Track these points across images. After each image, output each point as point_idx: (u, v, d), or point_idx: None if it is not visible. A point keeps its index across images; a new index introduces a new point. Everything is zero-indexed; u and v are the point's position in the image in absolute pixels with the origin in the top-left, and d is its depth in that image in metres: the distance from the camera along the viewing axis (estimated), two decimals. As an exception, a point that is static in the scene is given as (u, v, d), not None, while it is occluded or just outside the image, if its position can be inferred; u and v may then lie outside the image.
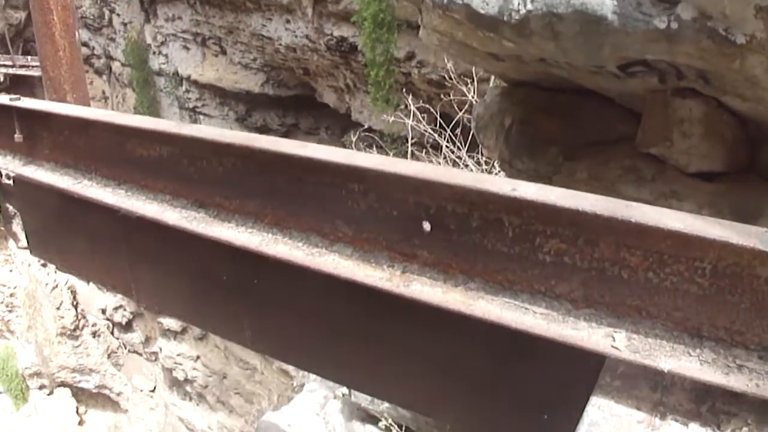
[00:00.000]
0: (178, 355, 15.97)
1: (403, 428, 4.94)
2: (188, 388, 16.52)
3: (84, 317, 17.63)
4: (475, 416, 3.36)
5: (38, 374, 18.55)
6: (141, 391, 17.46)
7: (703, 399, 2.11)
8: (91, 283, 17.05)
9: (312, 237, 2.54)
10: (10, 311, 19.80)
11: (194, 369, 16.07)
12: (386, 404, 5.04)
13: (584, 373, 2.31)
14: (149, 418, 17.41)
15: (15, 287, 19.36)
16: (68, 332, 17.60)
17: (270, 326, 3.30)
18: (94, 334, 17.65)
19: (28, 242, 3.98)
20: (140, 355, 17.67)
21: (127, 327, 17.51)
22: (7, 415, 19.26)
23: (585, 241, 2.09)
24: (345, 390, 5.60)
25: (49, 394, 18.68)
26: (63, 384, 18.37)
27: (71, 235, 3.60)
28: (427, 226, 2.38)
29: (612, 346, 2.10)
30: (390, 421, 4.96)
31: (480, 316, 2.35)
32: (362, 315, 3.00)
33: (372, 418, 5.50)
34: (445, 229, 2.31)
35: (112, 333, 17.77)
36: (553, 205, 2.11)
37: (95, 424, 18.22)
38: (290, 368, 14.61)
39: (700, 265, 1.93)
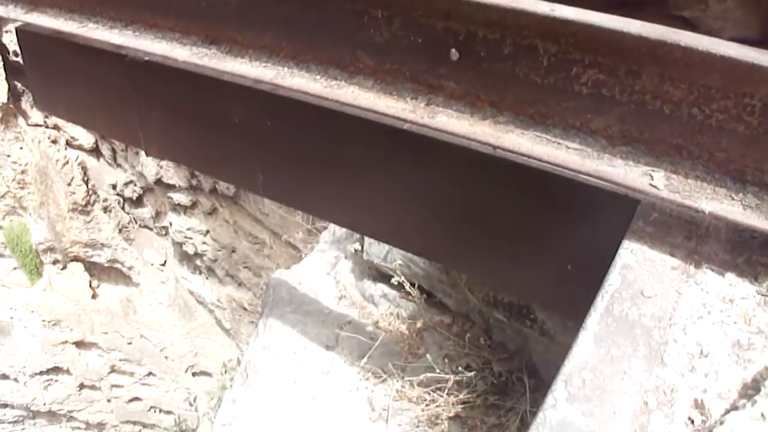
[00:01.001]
0: (188, 229, 16.00)
1: (416, 286, 4.87)
2: (198, 262, 16.63)
3: (95, 193, 17.60)
4: (498, 265, 3.27)
5: (51, 249, 18.65)
6: (152, 265, 17.59)
7: (740, 250, 2.00)
8: (101, 159, 16.99)
9: (331, 69, 2.37)
10: (21, 188, 19.73)
11: (204, 243, 16.13)
12: (399, 261, 4.97)
13: (616, 216, 2.19)
14: (160, 291, 17.60)
15: (26, 164, 19.22)
16: (80, 208, 17.60)
17: (284, 171, 3.18)
18: (105, 210, 17.66)
19: (33, 97, 3.82)
20: (151, 229, 17.72)
21: (138, 202, 17.50)
22: (23, 289, 19.48)
23: (626, 71, 1.92)
24: (357, 246, 5.52)
25: (62, 269, 18.84)
26: (76, 258, 18.50)
27: (77, 84, 3.44)
28: (454, 54, 2.20)
29: (650, 185, 1.97)
30: (403, 278, 4.89)
31: (509, 147, 2.21)
32: (381, 155, 2.87)
33: (384, 277, 5.45)
34: (474, 58, 2.14)
35: (122, 208, 17.78)
36: (596, 27, 1.92)
37: (108, 297, 18.46)
38: (298, 241, 14.68)
39: (749, 102, 1.76)
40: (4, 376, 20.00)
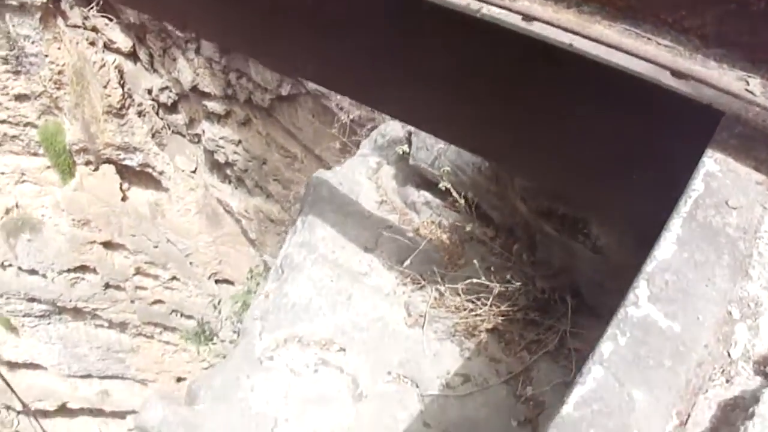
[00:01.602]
0: (221, 138, 15.93)
1: (462, 195, 4.80)
2: (228, 171, 16.62)
3: (130, 96, 17.52)
4: (561, 170, 3.19)
5: (85, 150, 18.67)
6: (182, 171, 17.59)
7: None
8: (138, 63, 16.89)
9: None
10: (58, 88, 19.65)
11: (235, 153, 16.08)
12: (447, 168, 4.89)
13: (694, 128, 2.09)
14: (189, 197, 17.64)
15: (63, 65, 19.10)
16: (114, 111, 17.54)
17: (336, 53, 3.09)
18: (140, 114, 17.60)
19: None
20: (183, 136, 17.67)
21: (172, 108, 17.42)
22: (55, 188, 19.60)
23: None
24: (405, 148, 5.44)
25: (94, 170, 18.90)
26: (108, 161, 18.53)
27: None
28: None
29: (746, 90, 1.87)
30: (449, 185, 4.81)
31: (596, 37, 2.11)
32: (450, 45, 2.78)
33: (428, 184, 5.38)
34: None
35: (157, 113, 17.71)
36: None
37: (137, 200, 18.53)
38: (329, 158, 14.62)
39: None
40: (33, 272, 20.29)
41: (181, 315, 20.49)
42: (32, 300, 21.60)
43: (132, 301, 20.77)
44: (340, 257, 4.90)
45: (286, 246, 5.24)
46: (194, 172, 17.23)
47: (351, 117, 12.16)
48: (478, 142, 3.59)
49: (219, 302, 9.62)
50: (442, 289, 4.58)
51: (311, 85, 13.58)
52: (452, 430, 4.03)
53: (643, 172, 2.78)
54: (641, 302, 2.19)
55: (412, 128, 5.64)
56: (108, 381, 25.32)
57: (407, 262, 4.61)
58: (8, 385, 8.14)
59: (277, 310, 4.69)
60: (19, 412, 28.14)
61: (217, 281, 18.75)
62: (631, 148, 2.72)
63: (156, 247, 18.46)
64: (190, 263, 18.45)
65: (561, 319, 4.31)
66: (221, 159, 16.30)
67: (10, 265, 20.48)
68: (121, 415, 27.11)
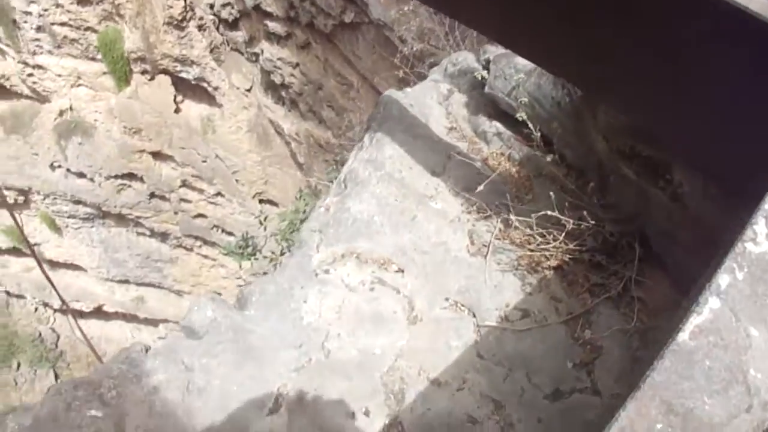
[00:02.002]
0: (279, 59, 15.76)
1: (537, 128, 4.59)
2: (283, 93, 16.48)
3: (192, 9, 17.35)
4: (659, 107, 2.99)
5: (142, 59, 18.61)
6: (237, 88, 17.48)
7: None
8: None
9: None
10: (119, -5, 19.64)
11: (292, 75, 15.92)
12: (525, 99, 4.68)
13: None
14: (241, 115, 17.56)
15: (126, -29, 19.05)
16: (175, 22, 17.41)
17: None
18: (200, 28, 17.45)
19: None
20: (241, 54, 17.51)
21: (233, 25, 17.22)
22: (110, 94, 19.62)
23: None
24: (485, 74, 5.22)
25: (150, 80, 18.87)
26: (164, 71, 18.48)
27: None
28: None
29: None
30: (525, 117, 4.60)
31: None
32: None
33: (501, 115, 5.17)
34: None
35: (217, 29, 17.53)
36: None
37: (190, 113, 18.51)
38: (386, 89, 14.37)
39: None
40: (81, 175, 20.46)
41: (222, 231, 20.62)
42: (78, 202, 21.85)
43: (175, 213, 20.92)
44: (407, 178, 4.73)
45: (351, 161, 5.07)
46: (249, 90, 17.11)
47: (414, 49, 11.96)
48: (574, 70, 3.41)
49: (265, 219, 9.54)
50: (509, 220, 4.40)
51: (374, 15, 13.34)
52: (506, 364, 3.90)
53: (747, 122, 2.60)
54: (760, 239, 2.03)
55: (490, 56, 5.43)
56: (144, 288, 25.74)
57: (480, 188, 4.41)
58: (50, 282, 8.16)
59: (337, 224, 4.55)
60: (55, 310, 28.78)
61: (261, 201, 18.78)
62: (738, 94, 2.53)
63: (204, 161, 18.48)
64: (236, 181, 18.46)
65: (627, 266, 4.12)
66: (277, 80, 16.15)
67: (60, 167, 20.69)
68: (154, 322, 27.62)
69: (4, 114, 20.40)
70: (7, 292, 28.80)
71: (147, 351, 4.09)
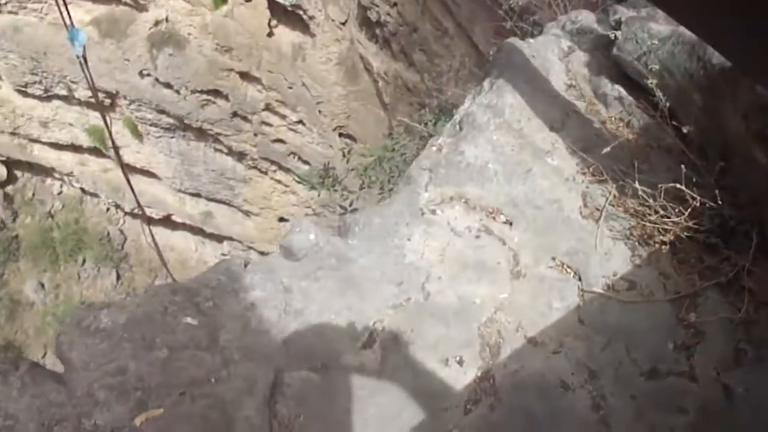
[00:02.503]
0: None
1: (664, 98, 4.40)
2: (377, 31, 16.30)
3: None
4: None
5: (240, -25, 18.59)
6: (332, 20, 17.31)
7: None
8: None
9: None
10: None
11: (388, 14, 15.71)
12: (656, 66, 4.49)
13: None
14: (333, 47, 17.45)
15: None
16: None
17: None
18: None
19: None
20: (340, -15, 17.37)
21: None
22: (206, 11, 19.63)
23: None
24: (619, 34, 5.01)
25: (246, 0, 18.82)
26: (261, -11, 18.41)
27: None
28: None
29: None
30: (654, 84, 4.42)
31: None
32: None
33: (625, 79, 4.99)
34: None
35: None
36: None
37: (282, 39, 18.46)
38: (481, 41, 14.15)
39: None
40: (168, 86, 20.67)
41: (299, 158, 20.74)
42: (162, 112, 22.14)
43: (255, 135, 21.07)
44: (525, 128, 4.61)
45: (469, 104, 4.94)
46: (344, 24, 16.97)
47: (520, 3, 11.70)
48: (731, 40, 3.22)
49: (349, 152, 9.54)
50: (625, 188, 4.27)
51: (475, -38, 13.09)
52: (606, 334, 3.80)
53: None
54: None
55: (622, 17, 5.23)
56: (214, 204, 26.14)
57: (606, 149, 4.28)
58: (131, 186, 8.29)
59: (449, 165, 4.49)
60: (126, 213, 29.46)
61: (341, 135, 18.79)
62: None
63: (290, 88, 18.51)
64: (319, 111, 18.48)
65: (741, 254, 3.94)
66: (373, 17, 15.96)
67: (148, 75, 20.94)
68: (218, 238, 28.11)
69: (101, 18, 20.62)
70: (83, 189, 29.55)
71: (246, 266, 4.12)
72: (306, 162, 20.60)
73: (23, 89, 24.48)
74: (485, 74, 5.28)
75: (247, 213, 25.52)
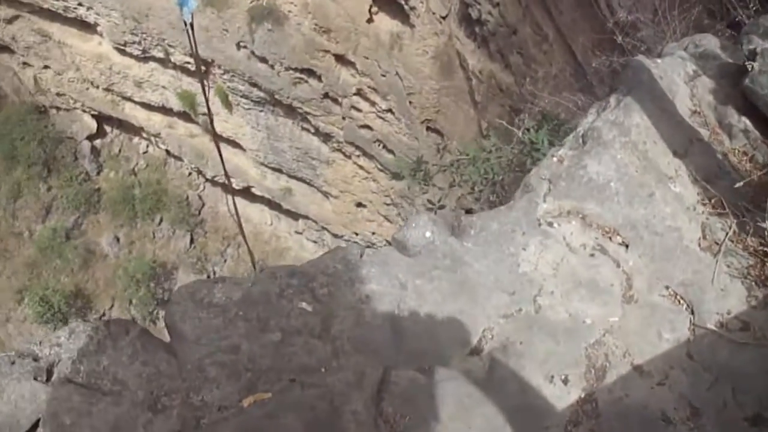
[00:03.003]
0: None
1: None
2: (476, 29, 16.21)
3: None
4: None
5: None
6: (433, 13, 17.23)
7: None
8: None
9: None
10: None
11: (489, 14, 15.59)
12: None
13: None
14: (430, 40, 17.35)
15: None
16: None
17: None
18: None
19: None
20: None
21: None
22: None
23: None
24: (756, 67, 4.87)
25: (349, -16, 18.85)
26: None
27: None
28: None
29: None
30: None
31: None
32: None
33: (753, 111, 4.82)
34: None
35: (428, -51, 17.33)
36: None
37: (382, 26, 18.44)
38: (578, 50, 13.97)
39: None
40: (263, 60, 20.90)
41: (384, 147, 20.77)
42: (254, 85, 22.41)
43: (343, 118, 21.18)
44: (651, 151, 4.52)
45: (593, 118, 4.84)
46: (444, 18, 16.90)
47: (627, 19, 11.52)
48: None
49: (444, 147, 9.49)
50: (746, 225, 4.16)
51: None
52: (714, 372, 3.75)
53: None
54: None
55: (758, 47, 5.06)
56: (295, 181, 26.41)
57: (738, 185, 4.18)
58: (220, 154, 8.33)
59: (570, 178, 4.48)
60: (207, 180, 30.01)
61: (428, 128, 18.76)
62: None
63: (383, 76, 18.52)
64: (410, 102, 18.46)
65: None
66: (474, 15, 15.89)
67: (245, 47, 21.20)
68: (295, 216, 28.43)
69: (204, -14, 20.94)
70: (168, 152, 30.21)
71: (362, 255, 4.15)
72: (390, 151, 20.62)
73: (122, 48, 25.11)
74: (612, 90, 5.19)
75: (326, 194, 25.69)
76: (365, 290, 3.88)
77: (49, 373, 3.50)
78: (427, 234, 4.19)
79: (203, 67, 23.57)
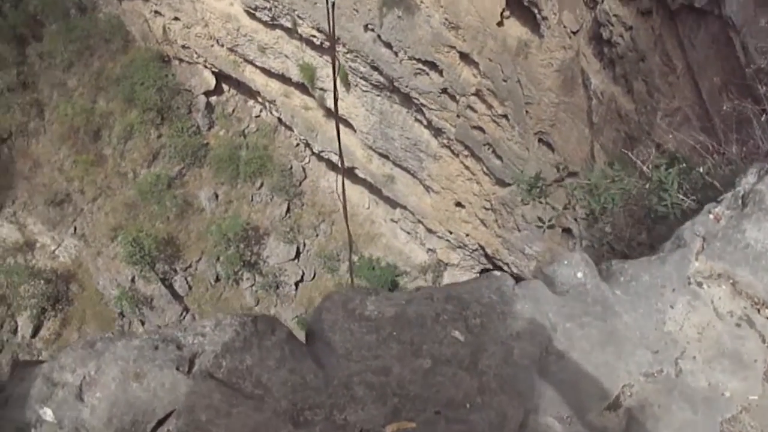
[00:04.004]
0: (615, 15, 15.87)
1: None
2: (605, 49, 16.69)
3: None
4: None
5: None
6: (564, 27, 17.68)
7: None
8: None
9: None
10: None
11: (621, 36, 16.09)
12: None
13: None
14: (557, 53, 17.82)
15: None
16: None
17: None
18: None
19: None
20: None
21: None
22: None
23: None
24: None
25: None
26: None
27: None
28: None
29: None
30: None
31: None
32: None
33: None
34: None
35: (570, -38, 17.95)
36: None
37: (511, 31, 19.08)
38: (706, 86, 14.30)
39: None
40: (388, 45, 21.92)
41: (492, 151, 21.54)
42: (375, 69, 23.52)
43: (458, 116, 22.05)
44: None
45: (755, 179, 4.92)
46: (575, 33, 17.54)
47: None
48: None
49: (564, 168, 9.92)
50: None
51: (727, 11, 13.27)
52: None
53: None
54: None
55: None
56: (399, 170, 27.46)
57: None
58: (338, 133, 9.07)
59: (725, 241, 4.52)
60: (312, 153, 31.29)
61: (540, 140, 19.43)
62: None
63: (505, 81, 19.30)
64: (526, 112, 19.17)
65: None
66: (605, 35, 16.44)
67: (372, 30, 22.24)
68: (393, 203, 29.51)
69: (342, -35, 22.03)
70: (279, 120, 31.73)
71: (515, 287, 4.29)
72: (499, 157, 21.31)
73: (252, 11, 26.86)
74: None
75: (427, 188, 26.72)
76: (517, 326, 4.00)
77: (191, 363, 3.57)
78: (579, 275, 4.29)
79: (328, 44, 24.83)
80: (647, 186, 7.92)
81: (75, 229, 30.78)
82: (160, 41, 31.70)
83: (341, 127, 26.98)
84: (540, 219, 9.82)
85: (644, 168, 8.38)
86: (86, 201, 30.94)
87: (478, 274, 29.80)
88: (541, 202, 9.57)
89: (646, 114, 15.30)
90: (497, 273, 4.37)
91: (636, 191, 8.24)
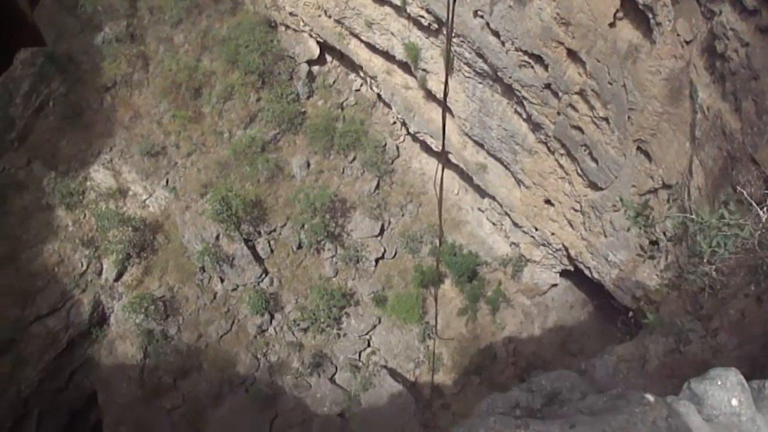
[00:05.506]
0: (732, 30, 15.78)
1: None
2: (717, 63, 16.59)
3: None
4: None
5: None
6: (678, 35, 17.62)
7: None
8: None
9: None
10: None
11: (736, 52, 15.96)
12: None
13: None
14: (667, 61, 17.82)
15: None
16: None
17: None
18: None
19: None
20: (699, 5, 17.53)
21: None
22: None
23: None
24: None
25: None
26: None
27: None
28: None
29: None
30: None
31: None
32: None
33: None
34: None
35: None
36: None
37: (622, 34, 19.10)
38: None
39: None
40: (496, 34, 22.22)
41: (589, 153, 21.65)
42: (480, 56, 23.77)
43: (558, 113, 22.21)
44: None
45: None
46: (688, 43, 17.47)
47: None
48: None
49: (674, 200, 9.63)
50: None
51: None
52: None
53: None
54: None
55: None
56: (492, 160, 27.78)
57: None
58: (444, 121, 9.17)
59: None
60: (408, 133, 31.66)
61: (638, 149, 19.42)
62: None
63: (610, 84, 19.34)
64: (628, 117, 19.22)
65: None
66: (719, 48, 16.30)
67: (481, 17, 22.52)
68: (482, 193, 29.88)
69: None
70: (379, 96, 32.31)
71: (668, 418, 4.19)
72: (594, 159, 21.40)
73: (363, -15, 27.23)
74: None
75: (519, 182, 26.99)
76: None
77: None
78: (734, 402, 4.08)
79: (436, 25, 25.15)
80: (757, 234, 7.72)
81: (167, 181, 31.82)
82: (268, 6, 32.56)
83: (439, 109, 27.48)
84: (651, 242, 9.63)
85: (760, 212, 8.15)
86: (180, 155, 31.95)
87: (558, 274, 29.93)
88: (646, 231, 9.35)
89: (752, 135, 15.17)
90: (643, 396, 4.18)
91: (751, 239, 7.95)
